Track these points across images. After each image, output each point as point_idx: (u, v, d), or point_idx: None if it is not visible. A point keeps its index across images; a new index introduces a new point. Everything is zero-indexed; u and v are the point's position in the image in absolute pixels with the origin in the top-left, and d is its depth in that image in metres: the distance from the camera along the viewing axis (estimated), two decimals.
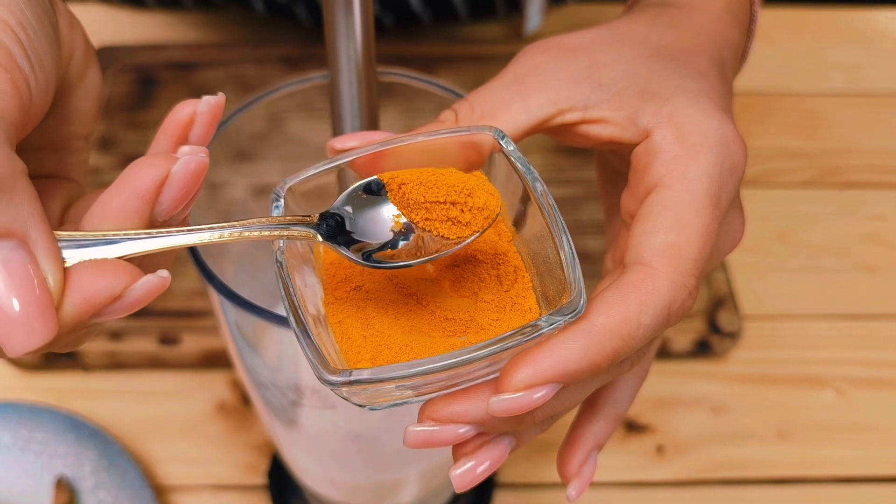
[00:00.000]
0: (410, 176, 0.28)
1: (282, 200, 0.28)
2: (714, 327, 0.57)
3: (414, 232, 0.27)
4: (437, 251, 0.27)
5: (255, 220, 0.26)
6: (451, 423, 0.26)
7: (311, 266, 0.29)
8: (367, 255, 0.27)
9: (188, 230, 0.25)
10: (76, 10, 0.29)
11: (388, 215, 0.28)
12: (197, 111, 0.27)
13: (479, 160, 0.30)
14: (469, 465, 0.27)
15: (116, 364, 0.56)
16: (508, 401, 0.25)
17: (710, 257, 0.29)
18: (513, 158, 0.29)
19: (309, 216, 0.27)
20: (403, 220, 0.27)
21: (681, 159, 0.29)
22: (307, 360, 0.25)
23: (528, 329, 0.25)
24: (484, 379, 0.26)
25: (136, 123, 0.68)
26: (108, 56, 0.73)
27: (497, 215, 0.27)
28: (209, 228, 0.25)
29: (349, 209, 0.28)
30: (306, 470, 0.46)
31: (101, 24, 0.77)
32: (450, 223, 0.27)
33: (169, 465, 0.52)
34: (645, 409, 0.55)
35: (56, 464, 0.50)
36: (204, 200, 0.38)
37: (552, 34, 0.33)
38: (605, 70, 0.31)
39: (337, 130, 0.37)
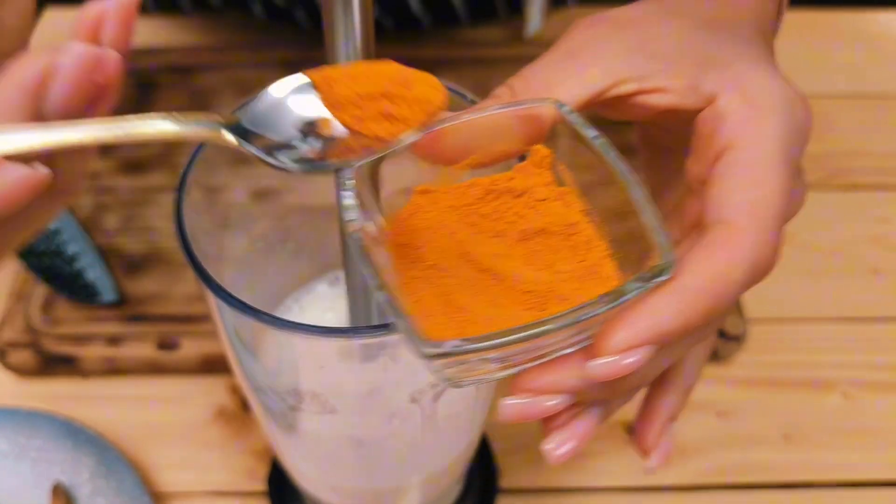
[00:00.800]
0: (342, 71, 0.26)
1: (352, 181, 0.27)
2: (719, 331, 0.57)
3: (339, 133, 0.25)
4: (366, 150, 0.25)
5: (154, 114, 0.24)
6: (545, 393, 0.26)
7: (380, 248, 0.28)
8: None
9: (72, 124, 0.23)
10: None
11: (311, 114, 0.26)
12: (104, 8, 0.26)
13: (539, 134, 0.30)
14: (561, 436, 0.28)
15: (114, 369, 0.55)
16: (607, 364, 0.25)
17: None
18: (578, 127, 0.28)
19: (217, 114, 0.25)
20: (332, 119, 0.25)
21: (751, 120, 0.29)
22: (401, 333, 0.24)
23: (614, 293, 0.25)
24: (569, 350, 0.26)
25: None
26: None
27: (439, 111, 0.26)
28: (99, 123, 0.23)
29: (265, 108, 0.26)
30: (306, 476, 0.46)
31: None
32: (384, 120, 0.25)
33: (167, 472, 0.52)
34: None
35: (53, 470, 0.49)
36: (203, 204, 0.38)
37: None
38: (657, 42, 0.31)
39: None
